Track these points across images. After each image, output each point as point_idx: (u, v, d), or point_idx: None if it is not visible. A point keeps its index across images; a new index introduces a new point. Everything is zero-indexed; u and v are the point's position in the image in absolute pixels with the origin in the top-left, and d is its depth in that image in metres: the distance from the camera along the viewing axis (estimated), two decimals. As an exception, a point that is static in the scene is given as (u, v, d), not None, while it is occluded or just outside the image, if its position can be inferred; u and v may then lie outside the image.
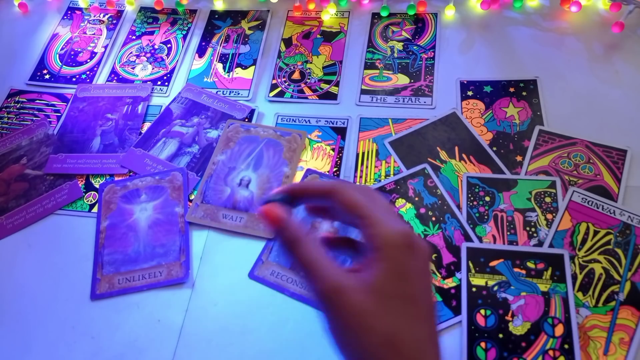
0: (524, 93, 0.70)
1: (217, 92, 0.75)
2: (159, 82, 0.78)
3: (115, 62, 0.81)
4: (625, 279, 0.53)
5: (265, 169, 0.65)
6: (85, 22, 0.87)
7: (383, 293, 0.32)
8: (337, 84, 0.74)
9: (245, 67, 0.78)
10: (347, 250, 0.39)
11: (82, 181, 0.68)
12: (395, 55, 0.77)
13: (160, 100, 0.76)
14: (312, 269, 0.33)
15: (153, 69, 0.80)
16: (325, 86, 0.74)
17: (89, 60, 0.82)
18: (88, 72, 0.80)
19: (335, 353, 0.33)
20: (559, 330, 0.50)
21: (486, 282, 0.54)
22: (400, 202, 0.61)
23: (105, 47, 0.83)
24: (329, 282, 0.32)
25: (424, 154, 0.65)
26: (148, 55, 0.82)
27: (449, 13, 0.81)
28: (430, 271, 0.35)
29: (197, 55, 0.81)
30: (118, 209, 0.64)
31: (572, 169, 0.62)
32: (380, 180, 0.63)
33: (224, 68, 0.78)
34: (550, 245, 0.56)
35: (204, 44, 0.82)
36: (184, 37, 0.83)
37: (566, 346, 0.49)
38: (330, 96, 0.73)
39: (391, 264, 0.32)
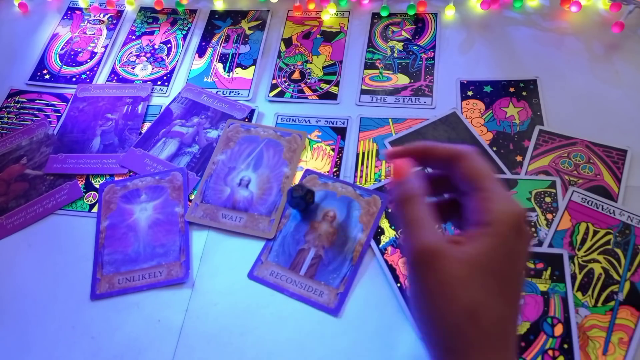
0: (524, 93, 0.70)
1: (217, 92, 0.75)
2: (159, 82, 0.78)
3: (115, 62, 0.81)
4: (624, 279, 0.53)
5: (265, 169, 0.65)
6: (85, 22, 0.87)
7: (481, 267, 0.32)
8: (337, 84, 0.74)
9: (245, 67, 0.78)
10: (453, 218, 0.39)
11: (82, 181, 0.68)
12: (395, 55, 0.77)
13: (160, 100, 0.76)
14: (417, 227, 0.33)
15: (153, 69, 0.80)
16: (325, 86, 0.74)
17: (89, 60, 0.82)
18: (88, 72, 0.80)
19: (414, 317, 0.34)
20: (559, 330, 0.50)
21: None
22: (400, 202, 0.61)
23: (105, 47, 0.83)
24: (430, 243, 0.32)
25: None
26: (148, 55, 0.82)
27: (449, 13, 0.81)
28: (528, 256, 0.35)
29: (197, 55, 0.81)
30: (118, 209, 0.64)
31: (572, 169, 0.62)
32: (380, 180, 0.63)
33: (224, 68, 0.78)
34: (550, 245, 0.56)
35: (204, 44, 0.82)
36: (184, 37, 0.83)
37: (565, 346, 0.49)
38: (330, 96, 0.73)
39: (498, 241, 0.32)
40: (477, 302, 0.31)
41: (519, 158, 0.64)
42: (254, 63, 0.78)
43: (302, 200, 0.58)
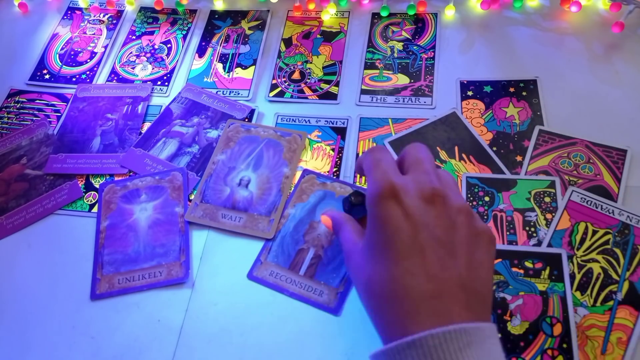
0: (524, 93, 0.70)
1: (217, 92, 0.75)
2: (159, 82, 0.78)
3: (115, 62, 0.81)
4: (623, 278, 0.53)
5: (265, 169, 0.65)
6: (85, 22, 0.88)
7: (366, 246, 0.40)
8: (337, 84, 0.74)
9: (245, 67, 0.78)
10: None
11: (82, 181, 0.68)
12: (395, 55, 0.77)
13: (160, 100, 0.76)
14: (342, 244, 0.46)
15: (153, 69, 0.80)
16: (325, 86, 0.74)
17: (89, 60, 0.82)
18: (88, 72, 0.80)
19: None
20: (558, 329, 0.50)
21: (485, 282, 0.54)
22: (399, 202, 0.61)
23: (105, 47, 0.83)
24: (345, 252, 0.44)
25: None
26: (148, 55, 0.82)
27: (449, 13, 0.81)
28: (428, 207, 0.38)
29: (197, 55, 0.81)
30: (118, 209, 0.64)
31: (572, 169, 0.62)
32: (379, 180, 0.63)
33: (224, 68, 0.78)
34: (549, 245, 0.56)
35: (204, 44, 0.82)
36: (184, 37, 0.83)
37: (564, 345, 0.49)
38: (330, 96, 0.73)
39: (370, 218, 0.39)
40: (366, 274, 0.39)
41: (518, 158, 0.64)
42: (254, 63, 0.78)
43: (363, 207, 0.49)
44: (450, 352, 0.32)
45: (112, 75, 0.80)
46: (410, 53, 0.77)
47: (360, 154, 0.66)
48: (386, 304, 0.36)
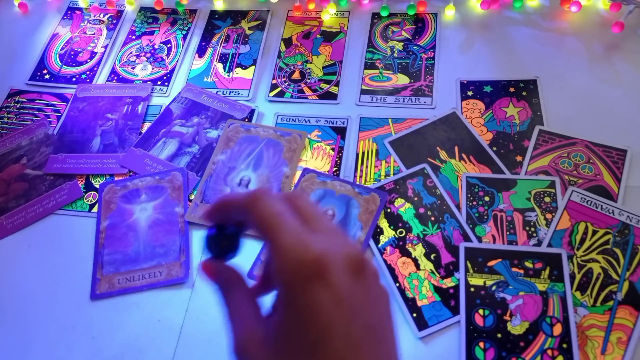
0: (524, 93, 0.70)
1: (217, 92, 0.75)
2: (159, 82, 0.78)
3: (115, 62, 0.81)
4: (623, 278, 0.53)
5: (265, 169, 0.65)
6: (85, 22, 0.88)
7: (282, 343, 0.28)
8: (337, 84, 0.74)
9: (245, 67, 0.78)
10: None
11: (82, 181, 0.68)
12: (395, 55, 0.77)
13: (160, 100, 0.76)
14: (230, 321, 0.31)
15: (153, 69, 0.80)
16: (325, 86, 0.74)
17: (89, 60, 0.82)
18: (88, 72, 0.80)
19: None
20: (557, 329, 0.50)
21: (484, 282, 0.54)
22: (399, 201, 0.61)
23: (105, 47, 0.83)
24: (236, 337, 0.30)
25: (424, 153, 0.65)
26: (148, 55, 0.82)
27: (449, 13, 0.81)
28: (357, 285, 0.28)
29: (197, 55, 0.81)
30: (118, 209, 0.64)
31: (572, 169, 0.62)
32: (380, 180, 0.63)
33: (224, 68, 0.78)
34: (549, 245, 0.56)
35: (204, 44, 0.82)
36: (184, 37, 0.83)
37: (564, 345, 0.49)
38: (330, 96, 0.73)
39: (290, 304, 0.27)
40: None
41: (518, 158, 0.64)
42: (254, 63, 0.78)
43: (235, 249, 0.39)
44: None
45: (112, 75, 0.80)
46: (410, 53, 0.77)
47: (358, 154, 0.66)
48: None
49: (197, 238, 0.61)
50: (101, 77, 0.80)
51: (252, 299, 0.32)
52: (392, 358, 0.29)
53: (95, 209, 0.65)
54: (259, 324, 0.30)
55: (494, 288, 0.53)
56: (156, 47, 0.83)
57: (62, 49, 0.84)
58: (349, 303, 0.27)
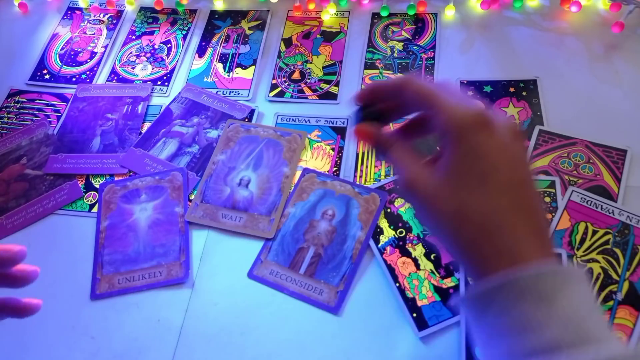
0: (524, 93, 0.70)
1: (217, 92, 0.75)
2: (159, 82, 0.78)
3: (115, 62, 0.81)
4: (623, 278, 0.53)
5: (265, 169, 0.65)
6: (85, 22, 0.88)
7: (453, 173, 0.35)
8: (337, 84, 0.74)
9: (245, 67, 0.78)
10: (428, 138, 0.42)
11: (82, 181, 0.68)
12: (395, 55, 0.77)
13: (160, 100, 0.76)
14: (397, 167, 0.38)
15: (153, 69, 0.80)
16: (325, 86, 0.74)
17: (89, 60, 0.82)
18: (88, 72, 0.80)
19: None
20: (558, 330, 0.50)
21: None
22: (399, 201, 0.61)
23: (105, 47, 0.83)
24: (405, 176, 0.37)
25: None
26: (148, 55, 0.82)
27: (449, 13, 0.81)
28: (514, 143, 0.36)
29: (197, 55, 0.81)
30: (118, 209, 0.64)
31: (572, 169, 0.62)
32: (380, 180, 0.63)
33: (224, 68, 0.78)
34: (550, 245, 0.56)
35: (204, 44, 0.82)
36: (184, 37, 0.83)
37: (565, 346, 0.49)
38: (330, 96, 0.73)
39: (462, 144, 0.35)
40: (459, 204, 0.34)
41: (518, 158, 0.63)
42: (254, 63, 0.78)
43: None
44: (550, 290, 0.32)
45: (112, 75, 0.80)
46: (410, 53, 0.77)
47: (358, 154, 0.66)
48: (484, 238, 0.34)
49: (197, 238, 0.61)
50: (101, 77, 0.80)
51: (409, 148, 0.40)
52: (543, 212, 0.36)
53: (95, 209, 0.65)
54: (421, 165, 0.38)
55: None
56: (156, 47, 0.83)
57: (62, 49, 0.84)
58: (511, 152, 0.35)
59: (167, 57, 0.81)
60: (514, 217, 0.34)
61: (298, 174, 0.65)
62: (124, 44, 0.84)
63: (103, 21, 0.87)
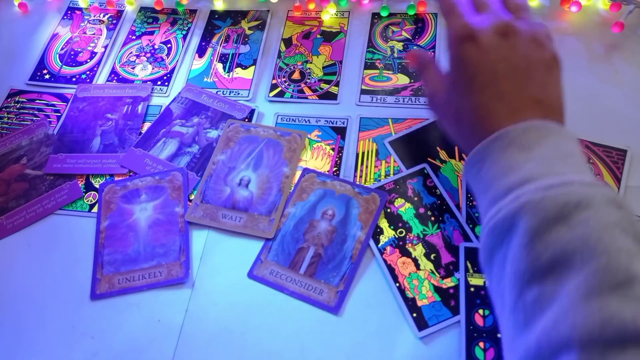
0: (524, 93, 0.70)
1: (217, 92, 0.75)
2: (159, 82, 0.78)
3: (115, 62, 0.81)
4: (624, 278, 0.53)
5: (265, 169, 0.65)
6: (85, 22, 0.88)
7: (453, 84, 0.47)
8: (337, 84, 0.74)
9: (245, 67, 0.78)
10: None
11: (82, 181, 0.68)
12: (396, 55, 0.77)
13: (160, 100, 0.76)
14: (424, 86, 0.56)
15: (153, 69, 0.80)
16: (325, 86, 0.74)
17: (89, 60, 0.82)
18: (88, 72, 0.80)
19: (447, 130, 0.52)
20: (558, 330, 0.50)
21: (484, 282, 0.54)
22: (399, 201, 0.61)
23: (105, 47, 0.83)
24: (427, 93, 0.53)
25: (424, 153, 0.65)
26: (148, 55, 0.82)
27: (449, 13, 0.81)
28: (503, 43, 0.44)
29: (197, 55, 0.81)
30: (118, 209, 0.64)
31: (571, 169, 0.62)
32: (379, 180, 0.63)
33: (224, 68, 0.78)
34: (550, 245, 0.56)
35: (204, 44, 0.82)
36: (184, 37, 0.83)
37: (565, 346, 0.49)
38: (330, 96, 0.73)
39: (452, 59, 0.46)
40: (455, 108, 0.47)
41: (518, 158, 0.63)
42: (254, 63, 0.78)
43: None
44: (530, 141, 0.39)
45: (112, 75, 0.80)
46: (410, 53, 0.77)
47: (358, 154, 0.66)
48: (476, 128, 0.43)
49: (197, 238, 0.61)
50: (101, 77, 0.80)
51: (439, 69, 0.53)
52: (538, 90, 0.44)
53: (95, 209, 0.65)
54: (442, 82, 0.50)
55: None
56: (156, 47, 0.83)
57: (62, 49, 0.84)
58: (494, 53, 0.43)
59: (167, 57, 0.81)
60: (496, 105, 0.42)
61: (298, 174, 0.65)
62: (124, 44, 0.84)
63: (103, 21, 0.87)
